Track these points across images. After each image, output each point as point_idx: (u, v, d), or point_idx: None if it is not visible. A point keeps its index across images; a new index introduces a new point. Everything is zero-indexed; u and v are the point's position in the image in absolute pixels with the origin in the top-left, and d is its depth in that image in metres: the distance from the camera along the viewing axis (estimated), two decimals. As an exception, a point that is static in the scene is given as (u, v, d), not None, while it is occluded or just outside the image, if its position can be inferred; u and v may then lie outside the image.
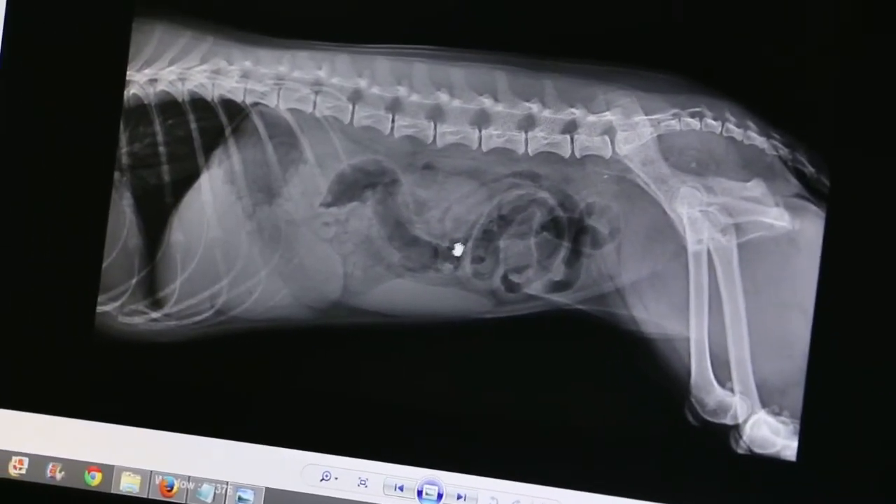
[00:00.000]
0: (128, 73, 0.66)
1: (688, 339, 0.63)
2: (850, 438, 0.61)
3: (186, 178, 0.66)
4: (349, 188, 0.65)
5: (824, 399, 0.62)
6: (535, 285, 0.64)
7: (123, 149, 0.66)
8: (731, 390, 0.62)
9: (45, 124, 0.67)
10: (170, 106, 0.66)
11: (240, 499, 0.66)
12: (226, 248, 0.66)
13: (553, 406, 0.63)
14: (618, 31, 0.63)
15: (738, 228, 0.63)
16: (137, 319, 0.66)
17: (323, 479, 0.65)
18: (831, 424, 0.62)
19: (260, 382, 0.65)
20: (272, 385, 0.65)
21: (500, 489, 0.64)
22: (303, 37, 0.65)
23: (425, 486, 0.64)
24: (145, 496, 0.66)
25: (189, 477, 0.66)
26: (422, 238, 0.65)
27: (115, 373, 0.66)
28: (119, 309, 0.66)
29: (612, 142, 0.63)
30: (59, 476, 0.67)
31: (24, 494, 0.67)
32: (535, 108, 0.64)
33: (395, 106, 0.65)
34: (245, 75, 0.66)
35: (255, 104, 0.66)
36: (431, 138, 0.65)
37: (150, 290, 0.66)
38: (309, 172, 0.65)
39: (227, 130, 0.66)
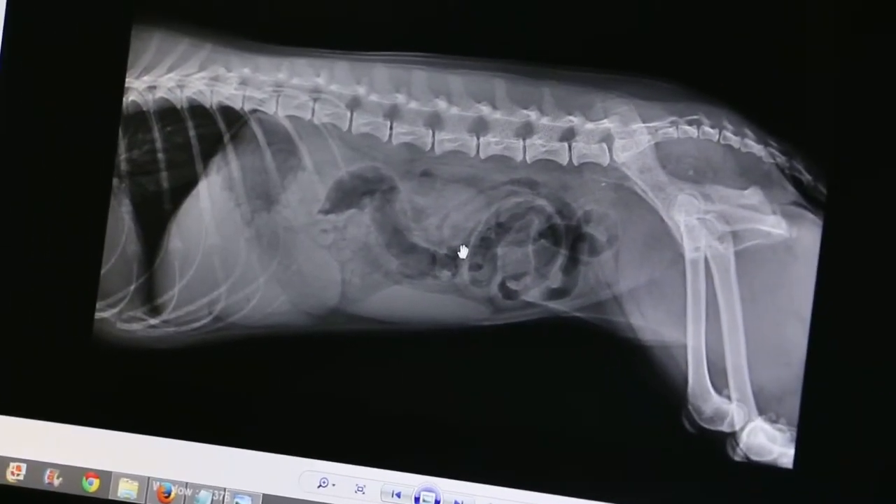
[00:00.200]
0: (127, 79, 0.66)
1: (685, 347, 0.63)
2: (847, 446, 0.61)
3: (185, 185, 0.66)
4: (347, 195, 0.65)
5: (821, 407, 0.62)
6: (532, 292, 0.64)
7: (122, 155, 0.66)
8: (728, 398, 0.62)
9: (44, 131, 0.67)
10: (168, 113, 0.66)
11: (237, 505, 0.66)
12: (224, 255, 0.66)
13: (550, 413, 0.63)
14: (615, 39, 0.63)
15: (736, 236, 0.63)
16: (136, 326, 0.66)
17: (320, 485, 0.65)
18: (828, 432, 0.62)
19: (258, 389, 0.66)
20: (270, 392, 0.65)
21: (497, 496, 0.64)
22: (301, 44, 0.65)
23: (423, 493, 0.64)
24: (143, 502, 0.66)
25: (186, 483, 0.66)
26: (420, 245, 0.65)
27: (113, 379, 0.66)
28: (117, 315, 0.66)
29: (610, 149, 0.64)
30: (56, 482, 0.67)
31: (22, 500, 0.67)
32: (533, 115, 0.64)
33: (393, 113, 0.65)
34: (244, 82, 0.66)
35: (254, 111, 0.66)
36: (429, 145, 0.65)
37: (149, 297, 0.66)
38: (307, 179, 0.65)
39: (226, 137, 0.66)
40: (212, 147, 0.66)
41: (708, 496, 0.62)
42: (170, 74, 0.66)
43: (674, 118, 0.63)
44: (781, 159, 0.62)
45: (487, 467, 0.64)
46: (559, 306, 0.64)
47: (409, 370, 0.64)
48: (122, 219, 0.66)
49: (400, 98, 0.65)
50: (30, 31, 0.67)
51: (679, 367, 0.63)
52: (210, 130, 0.66)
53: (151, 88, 0.66)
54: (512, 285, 0.64)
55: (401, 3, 0.65)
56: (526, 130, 0.64)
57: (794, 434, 0.62)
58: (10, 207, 0.67)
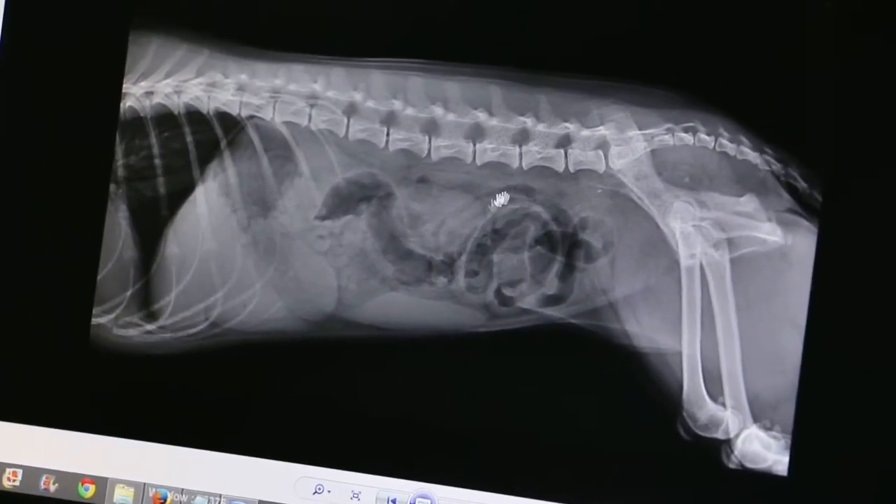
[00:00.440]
0: (124, 85, 0.66)
1: (680, 354, 0.63)
2: (842, 454, 0.61)
3: (182, 191, 0.66)
4: (344, 201, 0.65)
5: (816, 414, 0.62)
6: (528, 299, 0.64)
7: (119, 161, 0.66)
8: (723, 405, 0.63)
9: (42, 135, 0.67)
10: (166, 118, 0.66)
11: (233, 511, 0.66)
12: (221, 261, 0.66)
13: (545, 420, 0.64)
14: (611, 45, 0.63)
15: (731, 243, 0.63)
16: (132, 332, 0.66)
17: (316, 491, 0.65)
18: (823, 439, 0.62)
19: (254, 395, 0.66)
20: (266, 397, 0.65)
21: (493, 503, 0.64)
22: (298, 50, 0.65)
23: (418, 500, 0.65)
24: (139, 508, 0.67)
25: (182, 489, 0.66)
26: (416, 251, 0.65)
27: (109, 385, 0.66)
28: (114, 321, 0.66)
29: (606, 156, 0.64)
30: (52, 488, 0.67)
31: (18, 505, 0.67)
32: (529, 122, 0.64)
33: (390, 119, 0.65)
34: (241, 88, 0.66)
35: (251, 117, 0.66)
36: (426, 152, 0.65)
37: (145, 303, 0.66)
38: (304, 185, 0.65)
39: (223, 143, 0.66)
40: (209, 153, 0.66)
41: (702, 503, 0.62)
42: (167, 80, 0.66)
43: (670, 125, 0.63)
44: (777, 167, 0.62)
45: (483, 474, 0.64)
46: (555, 313, 0.64)
47: (404, 376, 0.65)
48: (118, 224, 0.66)
49: (397, 104, 0.65)
50: (28, 36, 0.67)
51: (674, 374, 0.63)
52: (207, 136, 0.66)
53: (148, 94, 0.66)
54: (508, 292, 0.64)
55: (398, 10, 0.65)
56: (522, 137, 0.64)
57: (789, 441, 0.62)
58: (7, 212, 0.67)
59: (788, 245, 0.62)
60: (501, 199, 0.64)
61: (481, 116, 0.65)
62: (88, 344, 0.66)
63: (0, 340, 0.67)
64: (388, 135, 0.65)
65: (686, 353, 0.63)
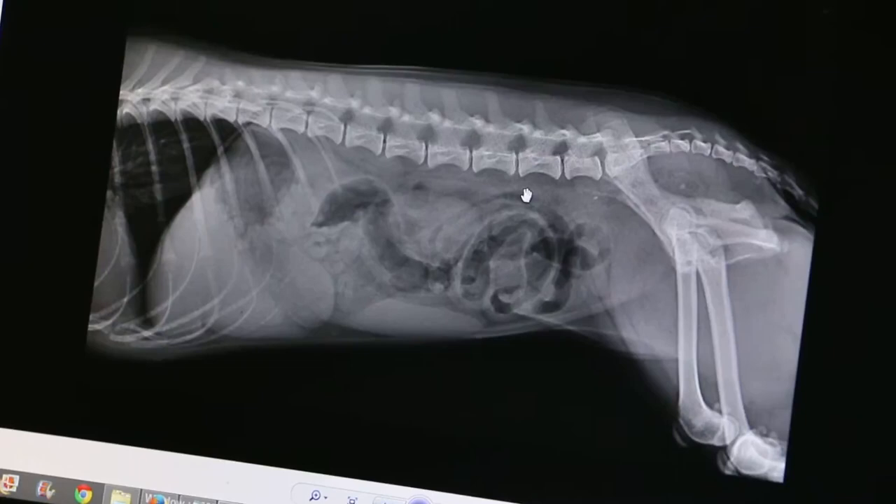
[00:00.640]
0: (121, 92, 0.66)
1: (676, 360, 0.63)
2: (837, 460, 0.62)
3: (179, 198, 0.66)
4: (340, 208, 0.65)
5: (812, 421, 0.62)
6: (524, 306, 0.64)
7: (116, 168, 0.66)
8: (719, 411, 0.63)
9: (39, 142, 0.67)
10: (162, 125, 0.66)
11: (230, 517, 0.66)
12: (217, 267, 0.66)
13: (542, 426, 0.64)
14: (608, 52, 0.63)
15: (727, 250, 0.63)
16: (129, 338, 0.66)
17: (312, 497, 0.65)
18: (818, 446, 0.62)
19: (250, 401, 0.66)
20: (262, 404, 0.66)
21: (489, 509, 0.64)
22: (295, 57, 0.66)
23: (414, 506, 0.65)
24: (135, 514, 0.67)
25: (179, 495, 0.66)
26: (412, 258, 0.65)
27: (106, 391, 0.66)
28: (111, 327, 0.67)
29: (603, 163, 0.64)
30: (49, 494, 0.67)
31: (15, 511, 0.67)
32: (525, 129, 0.64)
33: (386, 126, 0.65)
34: (237, 95, 0.66)
35: (248, 124, 0.66)
36: (423, 159, 0.65)
37: (142, 309, 0.66)
38: (300, 192, 0.65)
39: (220, 150, 0.66)
40: (205, 160, 0.66)
41: (698, 510, 0.63)
42: (164, 87, 0.66)
43: (666, 132, 0.63)
44: (773, 173, 0.62)
45: (479, 480, 0.64)
46: (551, 319, 0.64)
47: (401, 383, 0.65)
48: (115, 231, 0.66)
49: (393, 111, 0.65)
50: (25, 43, 0.67)
51: (670, 380, 0.63)
52: (204, 143, 0.66)
53: (146, 101, 0.66)
54: (504, 298, 0.64)
55: (394, 17, 0.65)
56: (519, 144, 0.64)
57: (785, 448, 0.62)
58: (4, 218, 0.67)
59: (785, 252, 0.62)
60: (527, 195, 0.64)
61: (478, 123, 0.65)
62: (85, 350, 0.66)
63: (-3, 346, 0.67)
64: (384, 141, 0.65)
65: (682, 359, 0.63)
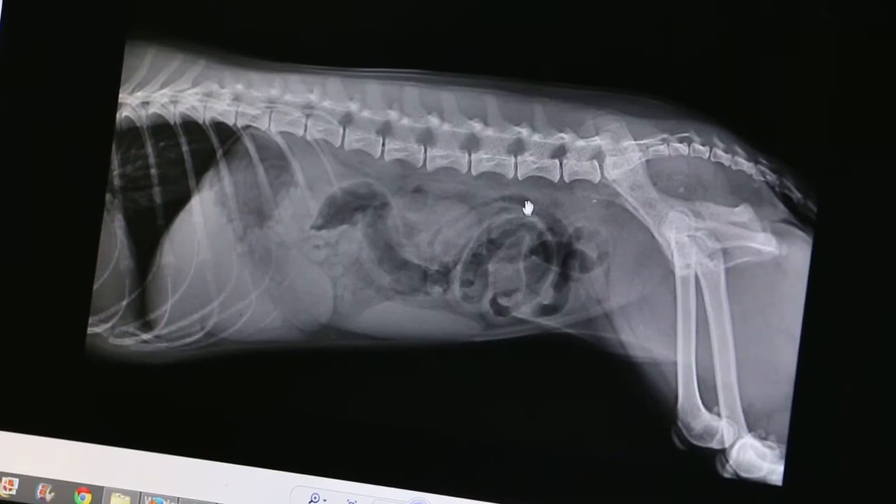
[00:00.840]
0: (120, 95, 0.66)
1: (675, 364, 0.63)
2: (836, 463, 0.62)
3: (178, 201, 0.66)
4: (339, 211, 0.65)
5: (811, 424, 0.62)
6: (523, 309, 0.64)
7: (115, 171, 0.66)
8: (718, 414, 0.63)
9: (38, 146, 0.67)
10: (162, 128, 0.66)
11: (229, 520, 0.66)
12: (216, 271, 0.66)
13: (541, 429, 0.64)
14: (606, 56, 0.63)
15: (726, 253, 0.63)
16: (128, 341, 0.66)
17: (311, 500, 0.65)
18: (817, 449, 0.62)
19: (249, 404, 0.66)
20: (262, 407, 0.66)
21: (488, 512, 0.64)
22: (294, 60, 0.66)
23: (413, 509, 0.65)
24: (135, 517, 0.67)
25: (178, 498, 0.66)
26: (411, 261, 0.65)
27: (105, 394, 0.66)
28: (110, 330, 0.67)
29: (601, 166, 0.64)
30: (48, 497, 0.67)
31: (14, 514, 0.67)
32: (524, 132, 0.64)
33: (385, 129, 0.65)
34: (237, 98, 0.66)
35: (247, 127, 0.66)
36: (421, 162, 0.65)
37: (141, 312, 0.66)
38: (299, 195, 0.66)
39: (219, 153, 0.66)
40: (205, 163, 0.66)
41: (697, 513, 0.63)
42: (163, 90, 0.67)
43: (665, 135, 0.63)
44: (772, 177, 0.62)
45: (477, 483, 0.64)
46: (550, 322, 0.64)
47: (400, 385, 0.65)
48: (114, 234, 0.66)
49: (392, 114, 0.65)
50: (24, 46, 0.67)
51: (669, 383, 0.63)
52: (203, 146, 0.66)
53: (145, 104, 0.67)
54: (503, 301, 0.64)
55: (393, 20, 0.65)
56: (517, 147, 0.64)
57: (784, 451, 0.62)
58: (3, 221, 0.67)
59: (783, 255, 0.62)
60: (528, 209, 0.64)
61: (477, 126, 0.65)
62: (84, 353, 0.66)
63: (-3, 349, 0.67)
64: (383, 145, 0.65)
65: (681, 362, 0.63)
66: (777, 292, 0.62)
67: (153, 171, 0.66)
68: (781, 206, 0.62)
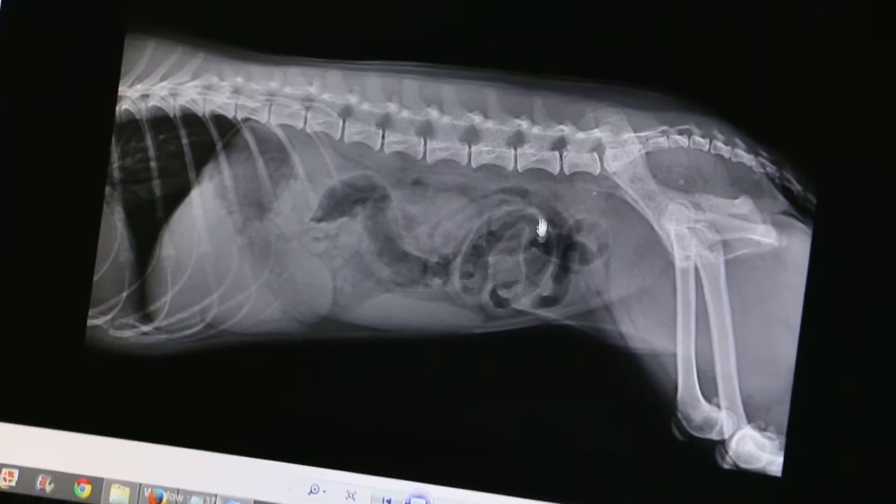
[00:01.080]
0: (120, 88, 0.67)
1: (675, 355, 0.63)
2: (836, 454, 0.62)
3: (177, 193, 0.66)
4: (339, 203, 0.65)
5: (810, 415, 0.62)
6: (523, 300, 0.64)
7: (115, 164, 0.67)
8: (718, 406, 0.63)
9: (38, 139, 0.67)
10: (161, 121, 0.66)
11: (229, 512, 0.66)
12: (216, 263, 0.66)
13: (540, 420, 0.64)
14: (606, 48, 0.63)
15: (726, 245, 0.63)
16: (128, 333, 0.67)
17: (311, 492, 0.65)
18: (817, 440, 0.62)
19: (249, 396, 0.66)
20: (261, 398, 0.66)
21: (488, 503, 0.64)
22: (294, 53, 0.66)
23: (413, 500, 0.65)
24: (135, 509, 0.67)
25: (178, 489, 0.66)
26: (411, 253, 0.65)
27: (105, 386, 0.67)
28: (110, 322, 0.67)
29: (601, 159, 0.64)
30: (48, 488, 0.67)
31: (15, 506, 0.67)
32: (524, 124, 0.64)
33: (385, 122, 0.65)
34: (236, 91, 0.66)
35: (247, 120, 0.66)
36: (421, 154, 0.65)
37: (141, 304, 0.67)
38: (299, 188, 0.66)
39: (219, 146, 0.66)
40: (204, 155, 0.66)
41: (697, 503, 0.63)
42: (163, 83, 0.67)
43: (664, 128, 0.63)
44: (771, 169, 0.62)
45: (477, 474, 0.64)
46: (550, 314, 0.64)
47: (399, 377, 0.65)
48: (114, 226, 0.67)
49: (392, 107, 0.65)
50: (24, 39, 0.67)
51: (669, 375, 0.63)
52: (203, 139, 0.66)
53: (144, 97, 0.67)
54: (503, 293, 0.64)
55: (393, 13, 0.65)
56: (517, 139, 0.64)
57: (783, 442, 0.62)
58: (3, 214, 0.67)
59: (783, 247, 0.62)
60: (542, 228, 0.64)
61: (476, 119, 0.65)
62: (84, 345, 0.67)
63: (-3, 342, 0.67)
64: (383, 137, 0.65)
65: (681, 354, 0.63)
66: (777, 284, 0.62)
67: (153, 163, 0.66)
68: (781, 198, 0.62)
